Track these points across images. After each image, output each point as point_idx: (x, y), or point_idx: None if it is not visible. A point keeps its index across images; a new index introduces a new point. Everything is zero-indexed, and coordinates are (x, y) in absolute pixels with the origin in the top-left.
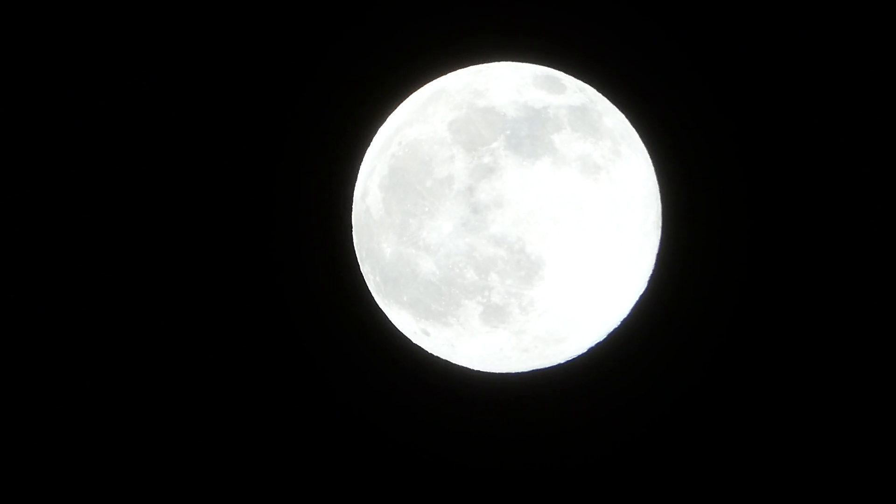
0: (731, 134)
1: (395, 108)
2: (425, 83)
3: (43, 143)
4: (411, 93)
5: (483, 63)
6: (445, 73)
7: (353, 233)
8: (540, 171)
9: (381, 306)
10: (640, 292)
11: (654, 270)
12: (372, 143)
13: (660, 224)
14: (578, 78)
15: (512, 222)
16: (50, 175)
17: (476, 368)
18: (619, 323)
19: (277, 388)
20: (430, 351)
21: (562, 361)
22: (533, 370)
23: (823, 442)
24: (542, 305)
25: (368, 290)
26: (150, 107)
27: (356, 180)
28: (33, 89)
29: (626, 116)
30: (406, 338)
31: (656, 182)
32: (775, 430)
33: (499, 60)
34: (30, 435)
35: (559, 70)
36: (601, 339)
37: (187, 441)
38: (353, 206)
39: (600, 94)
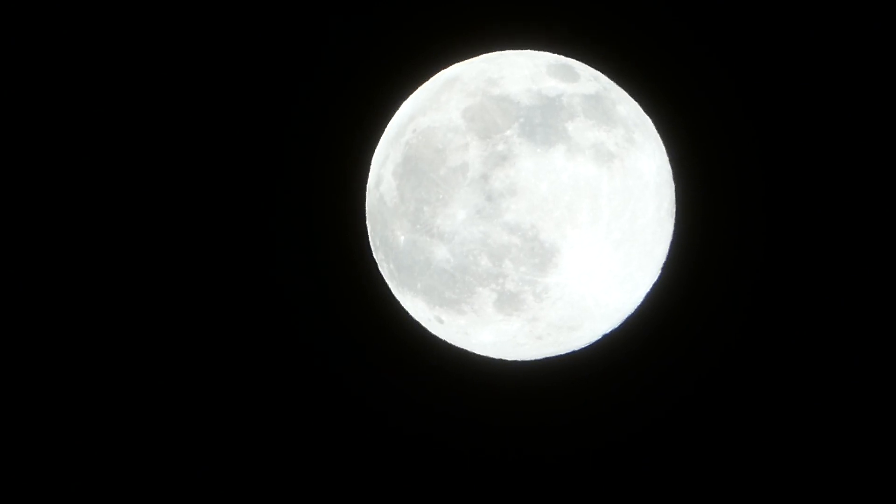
0: (745, 122)
1: (409, 95)
2: (439, 71)
3: (52, 145)
4: (425, 80)
5: (497, 51)
6: (459, 61)
7: (367, 221)
8: (554, 159)
9: (395, 294)
10: (655, 280)
11: (668, 258)
12: (386, 131)
13: (674, 212)
14: (592, 66)
15: (526, 210)
16: (74, 174)
17: (490, 356)
18: (633, 310)
19: (291, 376)
20: (443, 338)
21: (576, 349)
22: (547, 357)
23: (839, 425)
24: (557, 293)
25: (382, 278)
26: (175, 99)
27: (370, 168)
28: (33, 91)
29: (640, 104)
30: (420, 325)
31: (670, 170)
32: (788, 417)
33: (513, 49)
34: (34, 433)
35: (573, 58)
36: (615, 326)
37: (200, 429)
38: (367, 195)
39: (614, 83)
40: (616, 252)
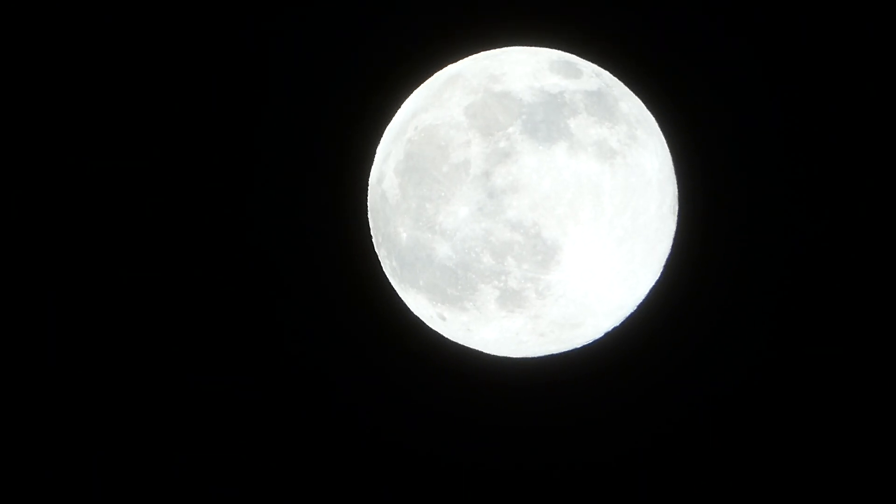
0: (747, 119)
1: (412, 92)
2: (441, 68)
3: (49, 144)
4: (427, 77)
5: (499, 47)
6: (462, 58)
7: (369, 217)
8: (556, 156)
9: (397, 291)
10: (657, 277)
11: (671, 255)
12: (388, 128)
13: (676, 209)
14: (594, 62)
15: (528, 207)
16: (75, 176)
17: (492, 353)
18: (635, 308)
19: (291, 373)
20: (446, 336)
21: (578, 346)
22: (549, 355)
23: (844, 421)
24: (559, 290)
25: (384, 275)
26: (176, 98)
27: (372, 165)
28: (31, 90)
29: (643, 101)
30: (422, 322)
31: (672, 167)
32: (792, 416)
33: (515, 45)
34: (27, 432)
35: (575, 54)
36: (617, 323)
37: (197, 428)
38: (369, 191)
39: (616, 79)
40: (618, 249)
